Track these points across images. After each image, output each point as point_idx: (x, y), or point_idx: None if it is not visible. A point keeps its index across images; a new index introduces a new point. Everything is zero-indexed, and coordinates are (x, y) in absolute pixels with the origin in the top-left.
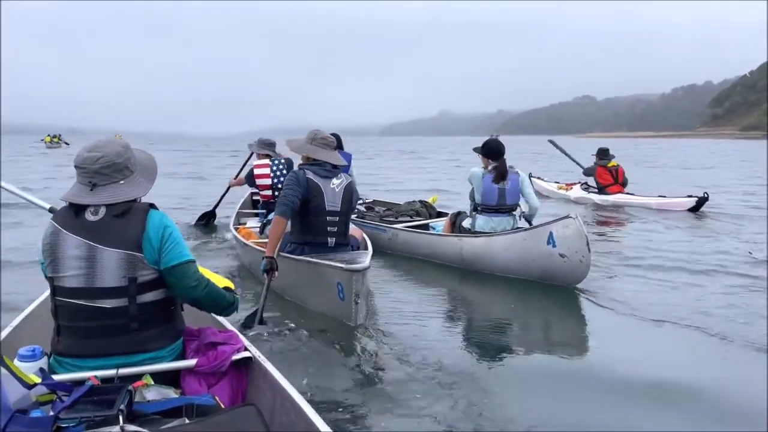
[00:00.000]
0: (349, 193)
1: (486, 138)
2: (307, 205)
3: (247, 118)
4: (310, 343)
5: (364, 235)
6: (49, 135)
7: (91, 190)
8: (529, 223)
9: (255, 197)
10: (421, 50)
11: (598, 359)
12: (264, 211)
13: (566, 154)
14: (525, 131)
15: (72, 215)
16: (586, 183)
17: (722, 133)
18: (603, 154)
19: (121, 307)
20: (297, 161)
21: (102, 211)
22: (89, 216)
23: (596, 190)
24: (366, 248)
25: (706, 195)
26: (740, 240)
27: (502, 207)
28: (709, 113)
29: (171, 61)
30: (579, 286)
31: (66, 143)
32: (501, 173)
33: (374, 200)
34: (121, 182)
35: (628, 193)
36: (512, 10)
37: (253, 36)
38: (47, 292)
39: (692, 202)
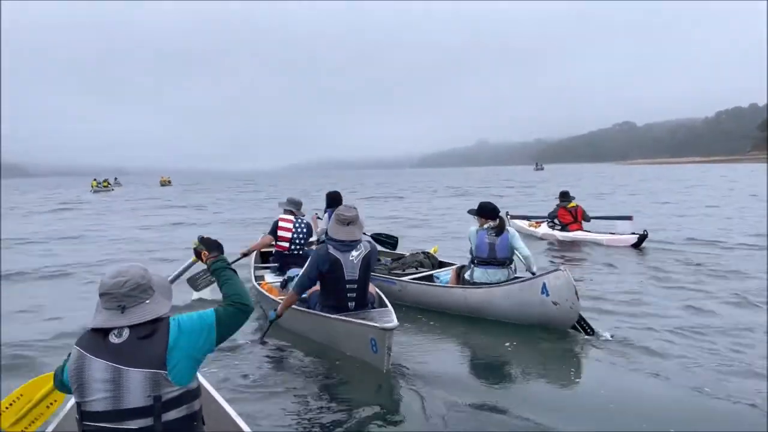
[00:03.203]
0: (367, 261)
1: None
2: (329, 275)
3: (287, 154)
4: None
5: (377, 290)
6: (95, 179)
7: (122, 312)
8: (532, 272)
9: (265, 250)
10: (456, 79)
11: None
12: (277, 264)
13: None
14: (563, 159)
15: (97, 339)
16: (552, 221)
17: None
18: (564, 196)
19: (146, 427)
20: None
21: (125, 332)
22: (113, 339)
23: (559, 227)
24: (383, 304)
25: (645, 233)
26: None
27: (494, 260)
28: (760, 136)
29: (210, 100)
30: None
31: (119, 184)
32: (500, 229)
33: (379, 251)
34: (147, 301)
35: (586, 231)
36: (545, 36)
37: (290, 72)
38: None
39: (635, 238)
